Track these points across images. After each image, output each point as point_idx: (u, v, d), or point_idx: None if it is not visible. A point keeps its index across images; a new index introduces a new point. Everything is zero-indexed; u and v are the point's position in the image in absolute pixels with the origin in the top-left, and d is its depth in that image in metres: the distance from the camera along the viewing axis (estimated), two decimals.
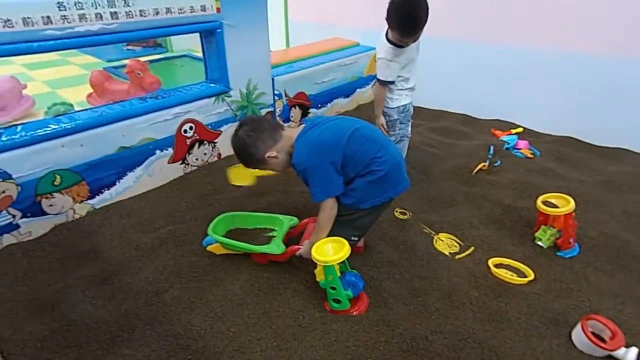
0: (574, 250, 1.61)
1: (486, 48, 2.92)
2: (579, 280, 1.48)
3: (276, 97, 2.61)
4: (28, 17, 1.47)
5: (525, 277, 1.50)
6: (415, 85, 1.98)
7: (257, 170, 1.71)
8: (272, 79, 2.54)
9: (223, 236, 1.59)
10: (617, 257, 1.59)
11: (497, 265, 1.56)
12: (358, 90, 3.27)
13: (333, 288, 1.30)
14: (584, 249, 1.63)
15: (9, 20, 1.43)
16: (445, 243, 1.70)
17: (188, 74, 4.33)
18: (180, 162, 2.20)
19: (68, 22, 1.57)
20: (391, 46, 1.79)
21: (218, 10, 2.02)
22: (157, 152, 2.06)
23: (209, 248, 1.63)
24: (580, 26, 2.46)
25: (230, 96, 2.30)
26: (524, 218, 1.82)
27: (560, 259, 1.59)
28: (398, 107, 1.97)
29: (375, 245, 1.66)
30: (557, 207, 1.60)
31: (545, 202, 1.63)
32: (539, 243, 1.66)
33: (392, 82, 1.89)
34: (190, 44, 5.29)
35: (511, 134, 2.69)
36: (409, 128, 2.05)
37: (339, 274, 1.28)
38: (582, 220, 1.75)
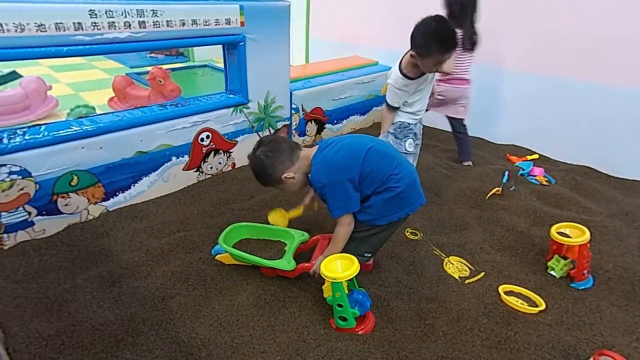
0: (588, 282, 1.58)
1: (505, 73, 2.93)
2: (592, 313, 1.44)
3: (293, 111, 2.65)
4: (60, 23, 1.53)
5: (536, 306, 1.47)
6: (421, 110, 1.97)
7: (291, 213, 1.78)
8: (290, 93, 2.58)
9: (233, 246, 1.60)
10: (632, 291, 1.54)
11: (507, 293, 1.53)
12: (375, 108, 3.29)
13: (340, 305, 1.28)
14: (598, 282, 1.59)
15: (42, 24, 1.49)
16: (455, 266, 1.68)
17: (208, 84, 4.42)
18: (195, 169, 2.23)
19: (98, 29, 1.62)
20: (401, 76, 1.83)
21: (242, 24, 2.08)
22: (173, 158, 2.09)
23: (217, 257, 1.64)
24: (604, 58, 2.45)
25: (248, 108, 2.34)
26: (537, 246, 1.79)
27: (573, 290, 1.55)
28: (396, 122, 1.97)
29: (384, 265, 1.65)
30: (571, 237, 1.57)
31: (559, 232, 1.60)
32: (552, 273, 1.63)
33: (397, 108, 1.93)
34: (212, 54, 5.43)
35: (527, 160, 2.67)
36: (407, 146, 1.97)
37: (346, 292, 1.27)
38: (597, 252, 1.72)
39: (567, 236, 1.58)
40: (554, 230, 1.60)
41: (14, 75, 3.54)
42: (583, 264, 1.55)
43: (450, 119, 2.62)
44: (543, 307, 1.46)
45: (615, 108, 2.49)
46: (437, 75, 2.46)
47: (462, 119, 2.59)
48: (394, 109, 1.93)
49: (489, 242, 1.84)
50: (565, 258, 1.60)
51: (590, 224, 1.78)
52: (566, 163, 2.71)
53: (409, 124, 1.95)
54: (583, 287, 1.56)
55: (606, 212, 2.09)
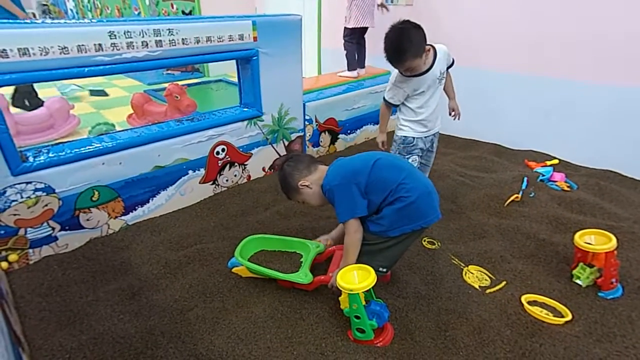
0: (617, 292, 1.51)
1: (518, 78, 2.89)
2: (623, 324, 1.38)
3: (306, 122, 2.67)
4: (82, 45, 1.59)
5: (562, 317, 1.41)
6: (429, 120, 1.87)
7: None
8: (304, 105, 2.60)
9: (249, 258, 1.60)
10: None
11: (530, 303, 1.48)
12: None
13: (357, 317, 1.27)
14: (627, 291, 1.52)
15: (65, 47, 1.55)
16: (475, 276, 1.64)
17: (223, 98, 4.51)
18: (211, 182, 2.26)
19: (117, 49, 1.68)
20: (398, 72, 1.80)
21: (255, 39, 2.12)
22: (190, 172, 2.13)
23: (234, 270, 1.64)
24: (620, 59, 2.40)
25: (262, 120, 2.37)
26: (560, 254, 1.73)
27: (600, 300, 1.49)
28: (400, 137, 1.92)
29: (401, 275, 1.62)
30: (596, 244, 1.51)
31: (583, 239, 1.55)
32: (577, 281, 1.57)
33: (396, 106, 1.89)
34: (226, 69, 5.55)
35: (546, 166, 2.61)
36: (410, 162, 1.89)
37: (363, 303, 1.26)
38: (625, 259, 1.66)
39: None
40: (578, 237, 1.55)
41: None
42: (610, 272, 1.49)
43: (360, 31, 3.30)
44: (569, 317, 1.41)
45: (635, 109, 2.42)
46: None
47: (366, 29, 3.34)
48: (389, 106, 1.92)
49: (509, 251, 1.79)
50: (591, 266, 1.55)
51: (616, 231, 1.72)
52: (588, 168, 2.63)
53: (413, 138, 1.90)
54: (612, 297, 1.50)
55: (633, 217, 2.01)
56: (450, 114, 2.03)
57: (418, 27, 1.63)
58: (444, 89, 1.92)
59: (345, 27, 3.37)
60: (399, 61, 1.67)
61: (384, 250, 1.41)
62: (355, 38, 3.35)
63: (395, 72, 1.83)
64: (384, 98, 1.92)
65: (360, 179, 1.36)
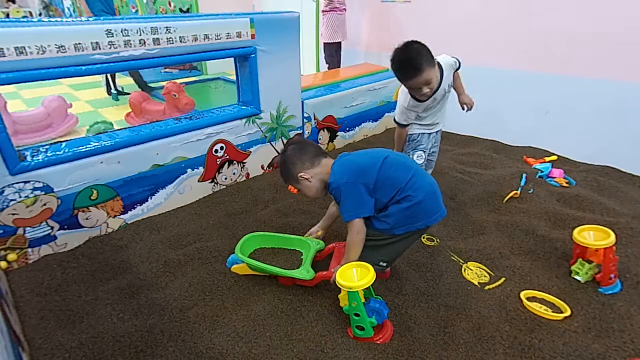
0: (616, 287, 1.52)
1: (517, 75, 2.89)
2: (622, 319, 1.39)
3: (305, 120, 2.66)
4: (79, 43, 1.58)
5: (561, 312, 1.42)
6: (438, 123, 1.93)
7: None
8: (302, 103, 2.59)
9: (249, 256, 1.60)
10: None
11: (530, 299, 1.49)
12: (387, 114, 3.28)
13: (357, 315, 1.27)
14: (626, 286, 1.53)
15: (62, 46, 1.54)
16: (474, 273, 1.64)
17: (221, 96, 4.50)
18: (210, 181, 2.26)
19: (115, 48, 1.68)
20: (411, 97, 1.80)
21: (253, 36, 2.11)
22: (189, 170, 2.13)
23: (232, 269, 1.64)
24: (619, 55, 2.40)
25: (261, 118, 2.36)
26: (559, 250, 1.73)
27: (600, 295, 1.50)
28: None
29: (401, 272, 1.62)
30: (595, 240, 1.52)
31: (582, 235, 1.55)
32: (576, 277, 1.58)
33: (408, 125, 1.92)
34: (224, 67, 5.54)
35: (545, 162, 2.61)
36: (416, 158, 1.95)
37: (363, 301, 1.26)
38: (624, 255, 1.66)
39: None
40: (577, 233, 1.56)
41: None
42: (609, 267, 1.50)
43: (337, 45, 3.87)
44: (568, 313, 1.41)
45: (634, 105, 2.42)
46: (322, 6, 3.81)
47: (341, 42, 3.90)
48: (405, 127, 1.93)
49: (508, 247, 1.79)
50: (590, 262, 1.55)
51: (615, 226, 1.73)
52: (587, 164, 2.63)
53: (418, 135, 1.93)
54: (611, 292, 1.50)
55: (632, 213, 2.01)
56: (463, 109, 2.02)
57: (421, 43, 1.64)
58: (453, 87, 1.93)
59: (324, 43, 3.87)
60: (417, 72, 1.61)
61: (386, 246, 1.42)
62: (334, 52, 3.88)
63: (404, 95, 1.82)
64: (396, 122, 1.93)
65: (369, 178, 1.34)
